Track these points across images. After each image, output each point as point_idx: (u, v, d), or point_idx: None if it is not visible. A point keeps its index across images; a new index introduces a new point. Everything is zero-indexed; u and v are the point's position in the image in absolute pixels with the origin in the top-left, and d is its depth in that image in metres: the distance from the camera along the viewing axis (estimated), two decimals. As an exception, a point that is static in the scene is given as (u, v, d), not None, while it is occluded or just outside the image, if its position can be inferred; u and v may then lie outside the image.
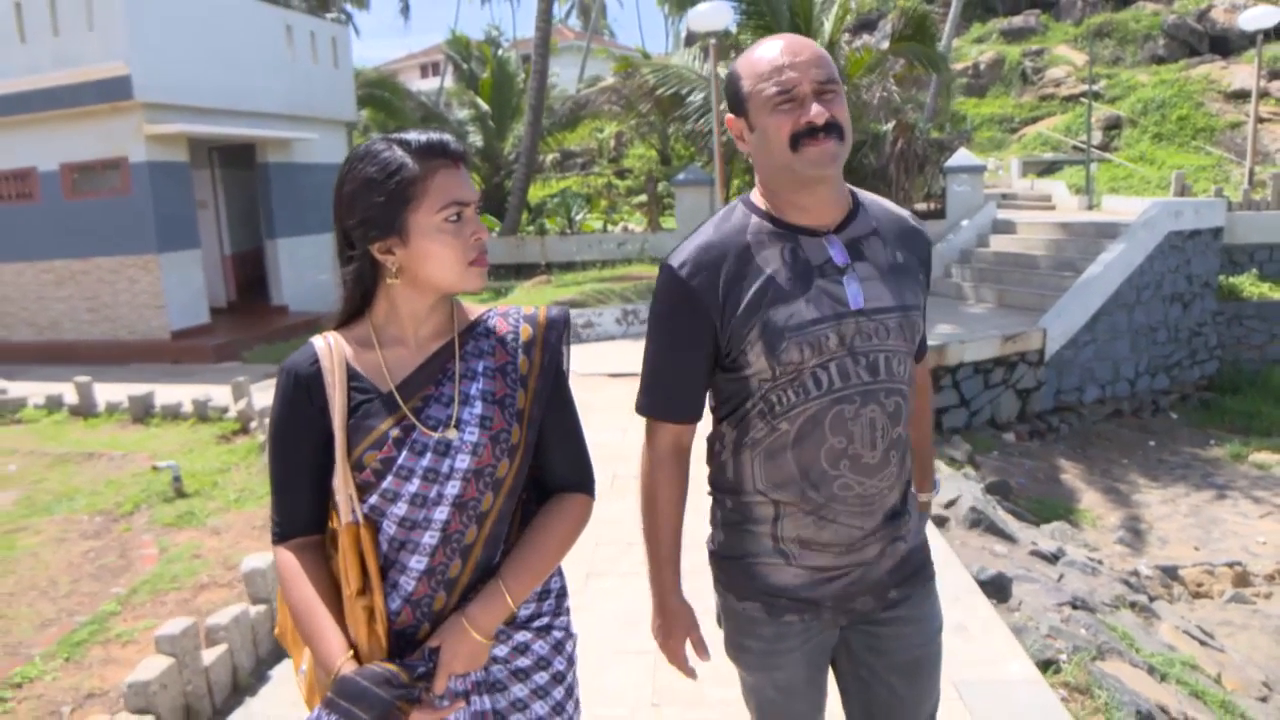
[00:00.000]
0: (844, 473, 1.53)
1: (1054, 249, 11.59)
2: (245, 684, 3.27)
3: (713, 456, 1.66)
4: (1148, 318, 10.94)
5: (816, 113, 1.46)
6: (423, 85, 32.49)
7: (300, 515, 1.43)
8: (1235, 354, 12.01)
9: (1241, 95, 18.98)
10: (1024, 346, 9.74)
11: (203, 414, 7.12)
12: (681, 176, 15.41)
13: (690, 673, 1.75)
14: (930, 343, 1.84)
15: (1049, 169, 20.30)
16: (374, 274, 1.41)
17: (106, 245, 11.18)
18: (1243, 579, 6.82)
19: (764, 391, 1.54)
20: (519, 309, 1.52)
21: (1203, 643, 5.60)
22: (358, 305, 1.45)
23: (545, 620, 1.50)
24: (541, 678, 1.48)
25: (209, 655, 3.10)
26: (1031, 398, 10.01)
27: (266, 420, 6.27)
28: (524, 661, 1.47)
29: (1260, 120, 18.68)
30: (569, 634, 1.55)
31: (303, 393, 1.40)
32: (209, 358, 10.74)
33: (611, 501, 4.09)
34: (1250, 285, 12.33)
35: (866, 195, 1.66)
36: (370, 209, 1.35)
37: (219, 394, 7.53)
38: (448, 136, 1.39)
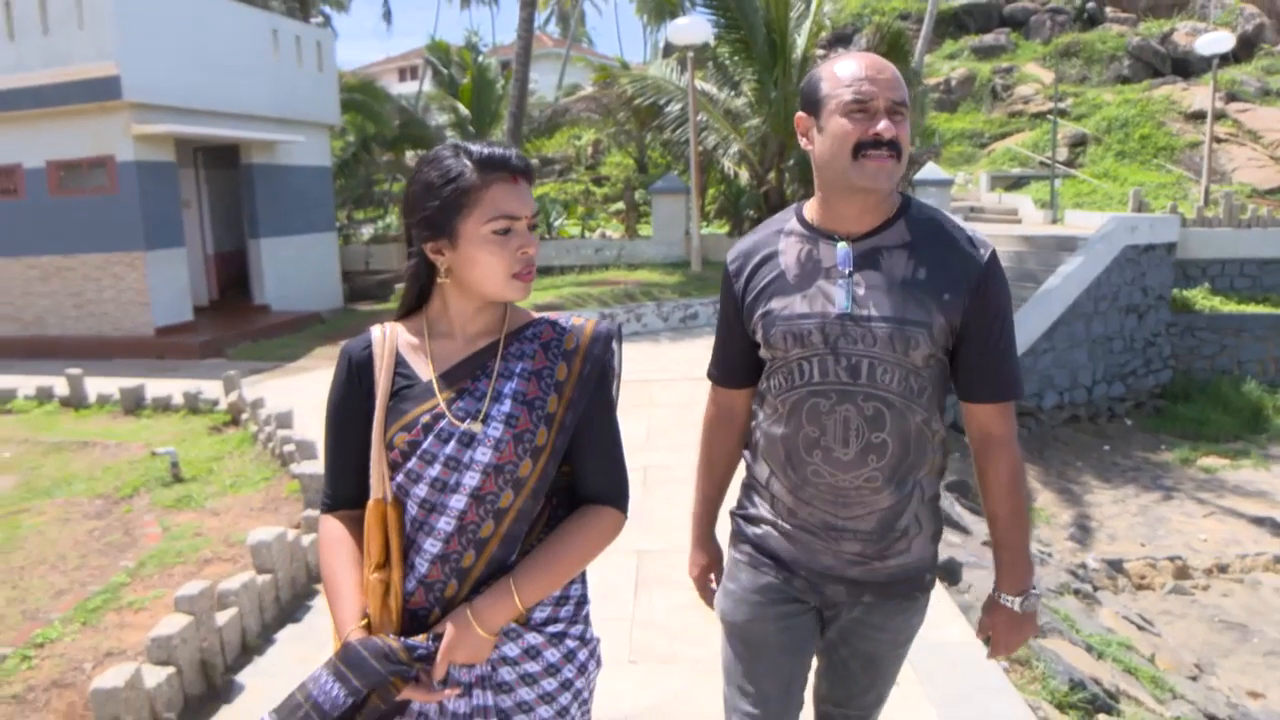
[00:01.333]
0: (815, 461, 1.64)
1: (1016, 261, 12.04)
2: (253, 645, 3.54)
3: (751, 422, 1.85)
4: (1105, 328, 11.41)
5: (885, 127, 1.55)
6: (401, 89, 32.59)
7: (347, 488, 1.53)
8: (1188, 364, 12.52)
9: (1200, 116, 19.61)
10: (985, 353, 10.15)
11: (194, 406, 7.34)
12: (658, 185, 15.74)
13: (711, 602, 1.96)
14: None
15: (1016, 184, 20.84)
16: (429, 272, 1.50)
17: (92, 242, 11.33)
18: (1183, 572, 7.25)
19: (769, 372, 1.71)
20: (569, 318, 1.57)
21: (1140, 628, 5.99)
22: (415, 299, 1.54)
23: (560, 627, 1.52)
24: (550, 684, 1.51)
25: (222, 617, 3.38)
26: (992, 402, 10.42)
27: (257, 413, 6.52)
28: (533, 667, 1.49)
29: (1218, 140, 19.38)
30: (583, 642, 1.56)
31: (355, 375, 1.51)
32: (194, 354, 10.91)
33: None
34: (1203, 299, 12.86)
35: (929, 210, 1.69)
36: (427, 211, 1.43)
37: (208, 388, 7.75)
38: (512, 152, 1.44)
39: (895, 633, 1.76)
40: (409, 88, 33.43)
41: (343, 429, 1.51)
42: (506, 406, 1.44)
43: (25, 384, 8.35)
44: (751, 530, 1.78)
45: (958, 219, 1.74)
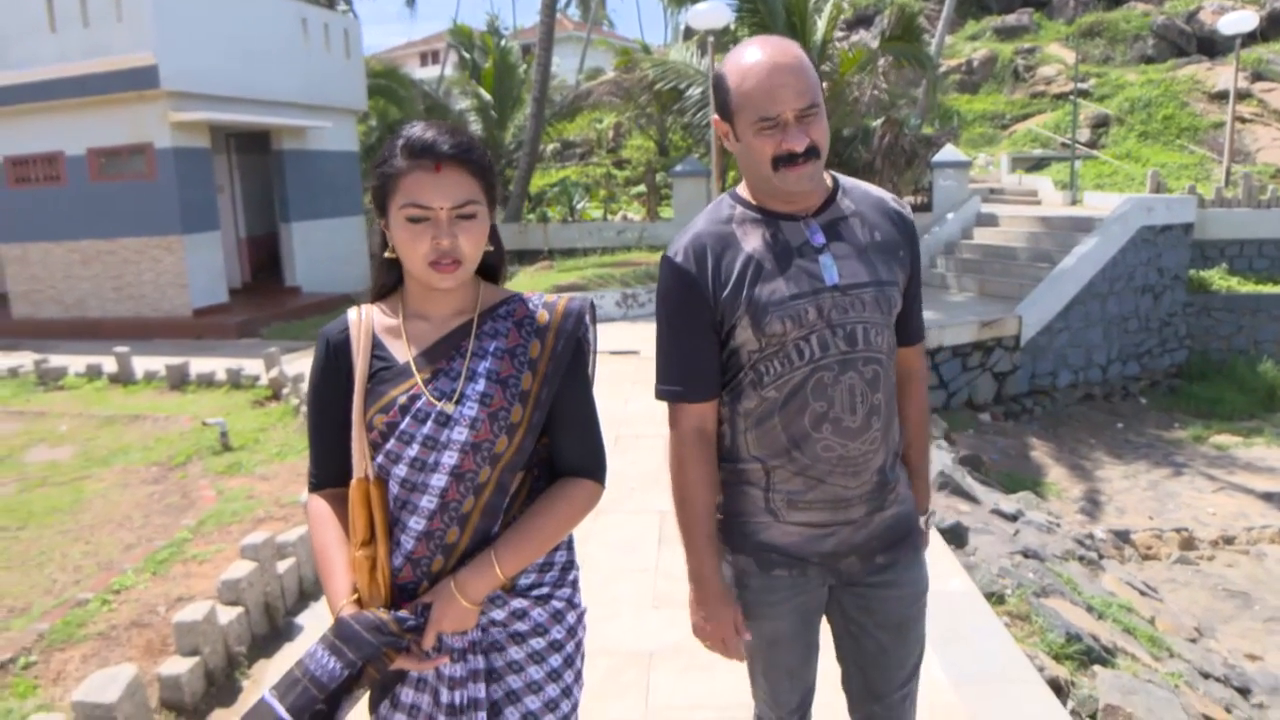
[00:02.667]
0: (826, 435, 1.64)
1: (1032, 241, 12.20)
2: (309, 591, 3.87)
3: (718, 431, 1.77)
4: (1120, 307, 11.56)
5: (796, 141, 1.56)
6: (422, 74, 32.88)
7: (331, 467, 1.55)
8: (1204, 343, 12.63)
9: (1225, 96, 19.53)
10: (1000, 332, 10.36)
11: (236, 382, 7.71)
12: (679, 168, 15.96)
13: (740, 655, 1.79)
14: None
15: (1037, 165, 20.83)
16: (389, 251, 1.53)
17: (131, 227, 11.73)
18: (1189, 543, 7.46)
19: (753, 362, 1.66)
20: (542, 296, 1.60)
21: (1143, 593, 6.23)
22: (387, 280, 1.57)
23: (545, 590, 1.56)
24: (538, 643, 1.55)
25: (282, 565, 3.71)
26: (1007, 381, 10.63)
27: (298, 387, 6.87)
28: (521, 626, 1.54)
29: (1243, 120, 19.30)
30: (571, 605, 1.60)
31: (333, 357, 1.53)
32: (231, 334, 11.31)
33: (615, 457, 4.70)
34: (1219, 279, 12.95)
35: (847, 180, 1.77)
36: (374, 192, 1.51)
37: (249, 365, 8.11)
38: (440, 138, 1.43)
39: (910, 586, 1.78)
40: (430, 72, 33.71)
41: (324, 411, 1.55)
42: (481, 385, 1.47)
43: (74, 363, 8.76)
44: (751, 531, 1.74)
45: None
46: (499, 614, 1.52)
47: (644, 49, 26.37)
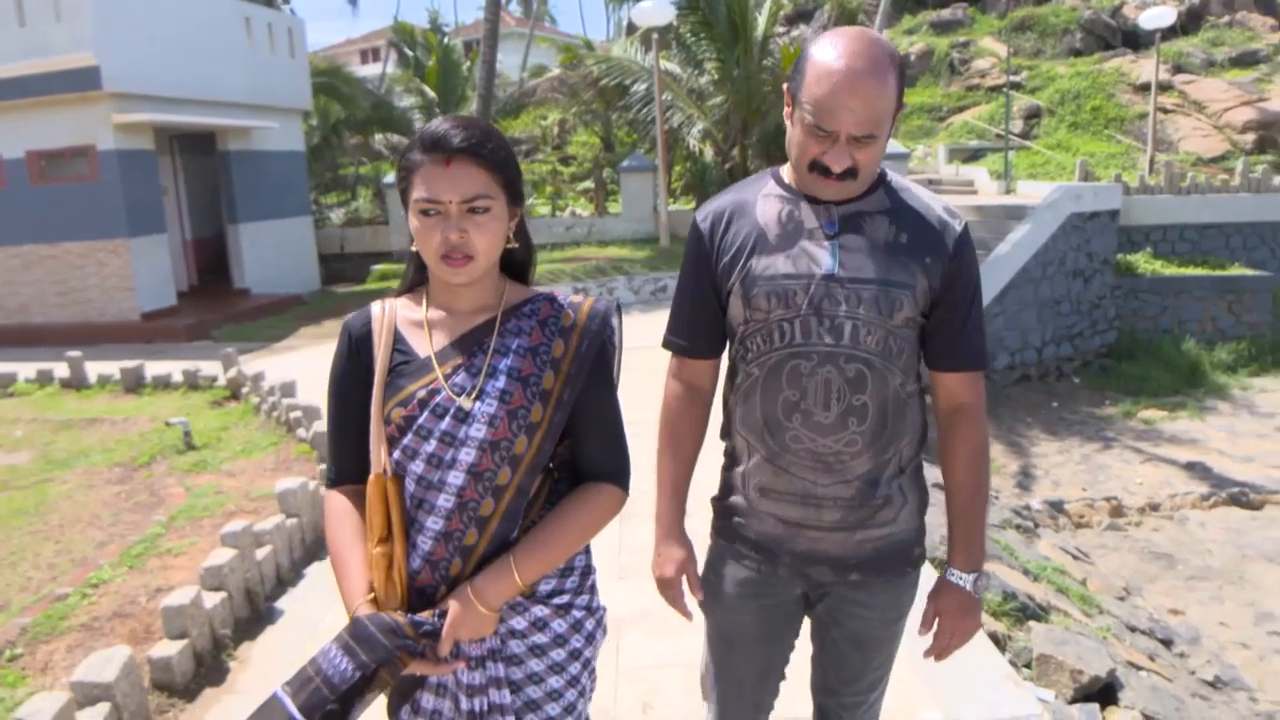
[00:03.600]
0: (795, 425, 1.60)
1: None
2: (286, 578, 4.02)
3: (721, 402, 1.77)
4: (1052, 291, 12.07)
5: (837, 160, 1.52)
6: (364, 71, 32.56)
7: (351, 463, 1.54)
8: (1132, 324, 13.23)
9: (1148, 87, 20.32)
10: (940, 317, 10.76)
11: (193, 383, 7.73)
12: (626, 163, 16.17)
13: (684, 611, 1.80)
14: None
15: (973, 156, 21.42)
16: None
17: (75, 230, 11.58)
18: (1118, 511, 7.91)
19: (741, 336, 1.65)
20: (567, 295, 1.58)
21: (1075, 557, 6.63)
22: (415, 274, 1.58)
23: (566, 599, 1.54)
24: (559, 654, 1.52)
25: (260, 552, 3.85)
26: (947, 364, 11.05)
27: (258, 386, 6.94)
28: (541, 638, 1.51)
29: (1165, 111, 20.10)
30: (590, 611, 1.58)
31: (355, 351, 1.53)
32: (181, 337, 11.24)
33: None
34: (1145, 262, 13.57)
35: (901, 182, 1.68)
36: (398, 184, 1.50)
37: (205, 366, 8.13)
38: (453, 131, 1.42)
39: (884, 610, 1.72)
40: (371, 69, 33.37)
41: (344, 404, 1.54)
42: (501, 382, 1.45)
43: (23, 369, 8.67)
44: (732, 519, 1.74)
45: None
46: (519, 622, 1.50)
47: (587, 45, 26.48)
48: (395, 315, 1.54)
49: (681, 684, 3.01)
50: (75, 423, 7.02)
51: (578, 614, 1.55)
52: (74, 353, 8.38)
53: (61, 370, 8.35)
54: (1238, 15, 25.43)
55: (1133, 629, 5.52)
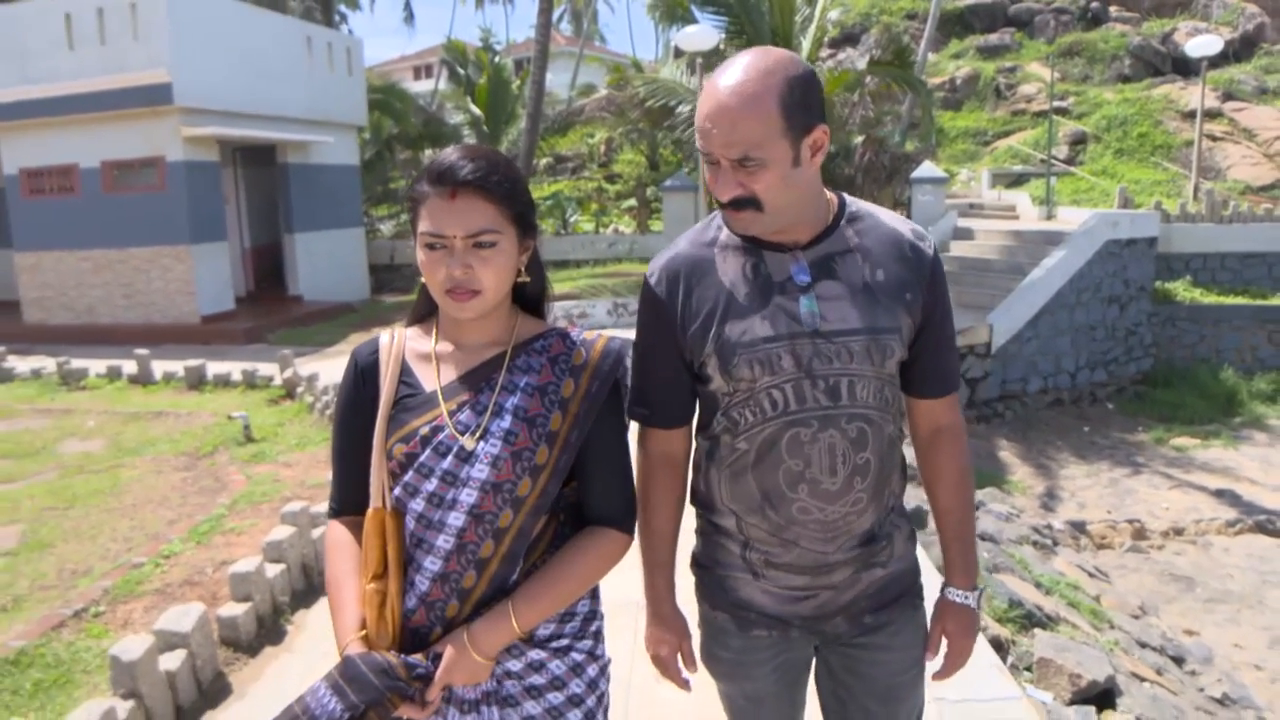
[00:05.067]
0: (802, 496, 1.50)
1: (1006, 254, 12.80)
2: (338, 557, 4.39)
3: (693, 468, 1.66)
4: (1087, 317, 12.15)
5: (724, 189, 1.44)
6: (416, 87, 33.46)
7: (353, 494, 1.50)
8: (1169, 352, 13.24)
9: (1196, 114, 20.26)
10: (973, 340, 10.93)
11: (251, 382, 8.21)
12: (669, 183, 16.54)
13: (683, 684, 1.73)
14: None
15: (1017, 181, 21.45)
16: None
17: (142, 236, 12.24)
18: (1140, 534, 8.01)
19: (725, 408, 1.54)
20: (580, 332, 1.52)
21: (1091, 575, 6.77)
22: (425, 305, 1.53)
23: (565, 642, 1.49)
24: (556, 698, 1.47)
25: (315, 532, 4.21)
26: (979, 386, 11.20)
27: (312, 385, 7.38)
28: (538, 679, 1.47)
29: (1214, 139, 20.02)
30: (593, 657, 1.53)
31: (360, 380, 1.49)
32: (238, 340, 11.80)
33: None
34: (1184, 290, 13.57)
35: (863, 208, 1.59)
36: (409, 214, 1.45)
37: (262, 367, 8.61)
38: (460, 163, 1.38)
39: (904, 650, 1.64)
40: (423, 85, 34.27)
41: (348, 434, 1.50)
42: (506, 422, 1.41)
43: (94, 365, 9.23)
44: (729, 587, 1.63)
45: (898, 214, 1.65)
46: (515, 665, 1.45)
47: (635, 65, 27.01)
48: (404, 346, 1.50)
49: (692, 658, 3.28)
50: (143, 415, 7.51)
51: (577, 657, 1.50)
52: (142, 351, 8.91)
53: (130, 367, 8.88)
54: (1293, 43, 25.17)
55: (1143, 645, 5.67)
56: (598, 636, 1.55)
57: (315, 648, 3.57)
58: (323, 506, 4.45)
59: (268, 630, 3.65)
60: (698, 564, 1.69)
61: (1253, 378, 12.71)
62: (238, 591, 3.60)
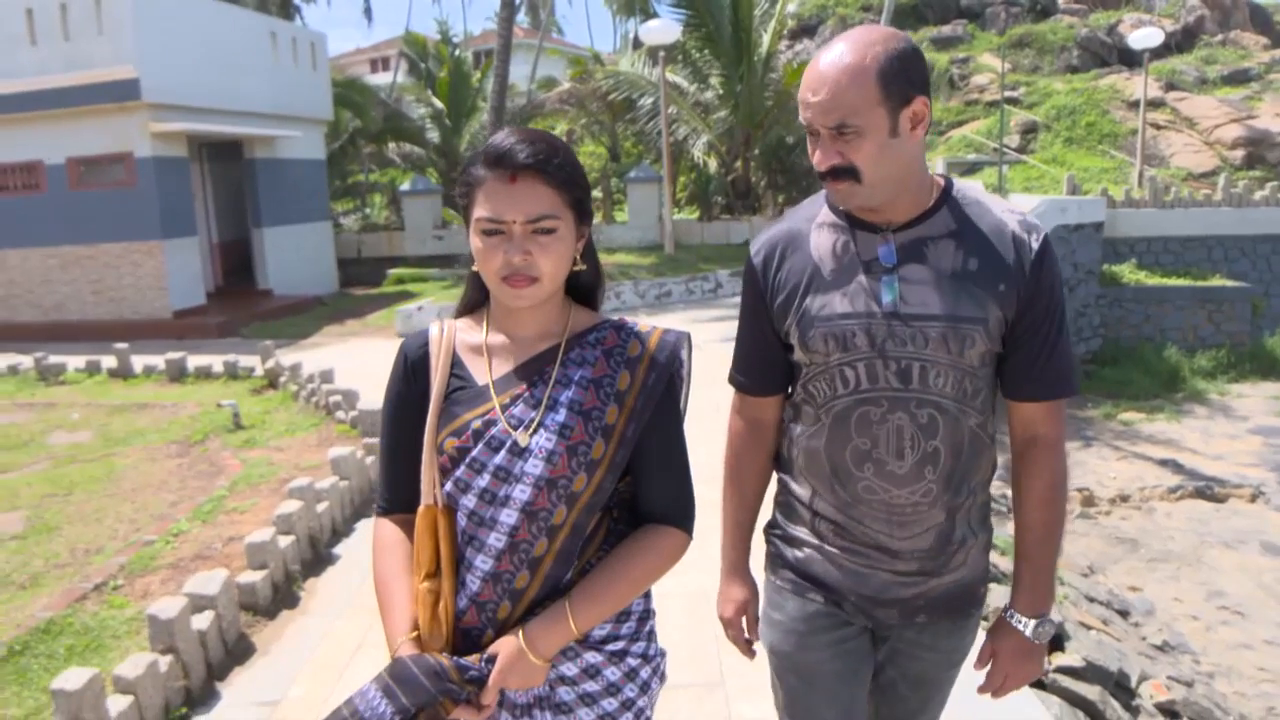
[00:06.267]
0: (868, 476, 1.51)
1: (960, 240, 13.28)
2: (341, 529, 4.63)
3: (781, 434, 1.68)
4: (1038, 299, 12.66)
5: (823, 157, 1.44)
6: (373, 80, 33.23)
7: (402, 491, 1.47)
8: (1116, 332, 13.82)
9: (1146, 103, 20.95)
10: (930, 322, 11.37)
11: (233, 373, 8.37)
12: (632, 174, 16.81)
13: (747, 650, 1.76)
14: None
15: (971, 169, 21.96)
16: None
17: (111, 232, 12.25)
18: (1090, 501, 8.49)
19: (806, 379, 1.56)
20: (635, 324, 1.49)
21: (1043, 538, 7.20)
22: (475, 294, 1.50)
23: (621, 645, 1.45)
24: (610, 704, 1.44)
25: (320, 506, 4.46)
26: (937, 367, 11.64)
27: (295, 374, 7.56)
28: (593, 686, 1.43)
29: (1157, 127, 20.72)
30: (646, 659, 1.49)
31: (410, 374, 1.45)
32: (211, 334, 11.89)
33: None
34: (1129, 273, 14.17)
35: (970, 193, 1.56)
36: (460, 200, 1.41)
37: (243, 359, 8.76)
38: (519, 146, 1.33)
39: (948, 653, 1.66)
40: (380, 78, 34.05)
41: (398, 429, 1.46)
42: (561, 416, 1.37)
43: (74, 359, 9.31)
44: (793, 553, 1.65)
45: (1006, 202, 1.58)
46: (569, 669, 1.42)
47: (595, 58, 27.18)
48: (454, 338, 1.47)
49: (681, 607, 3.59)
50: (127, 407, 7.64)
51: (633, 661, 1.46)
52: (121, 345, 9.01)
53: (108, 361, 8.98)
54: (1231, 34, 26.06)
55: (1091, 599, 6.10)
56: (651, 636, 1.51)
57: (329, 611, 3.83)
58: (325, 482, 4.69)
59: (283, 596, 3.90)
60: (771, 531, 1.71)
61: (1194, 355, 13.33)
62: (254, 560, 3.84)
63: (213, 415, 6.98)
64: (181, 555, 4.32)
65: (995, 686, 1.62)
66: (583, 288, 1.50)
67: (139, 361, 9.00)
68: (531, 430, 1.36)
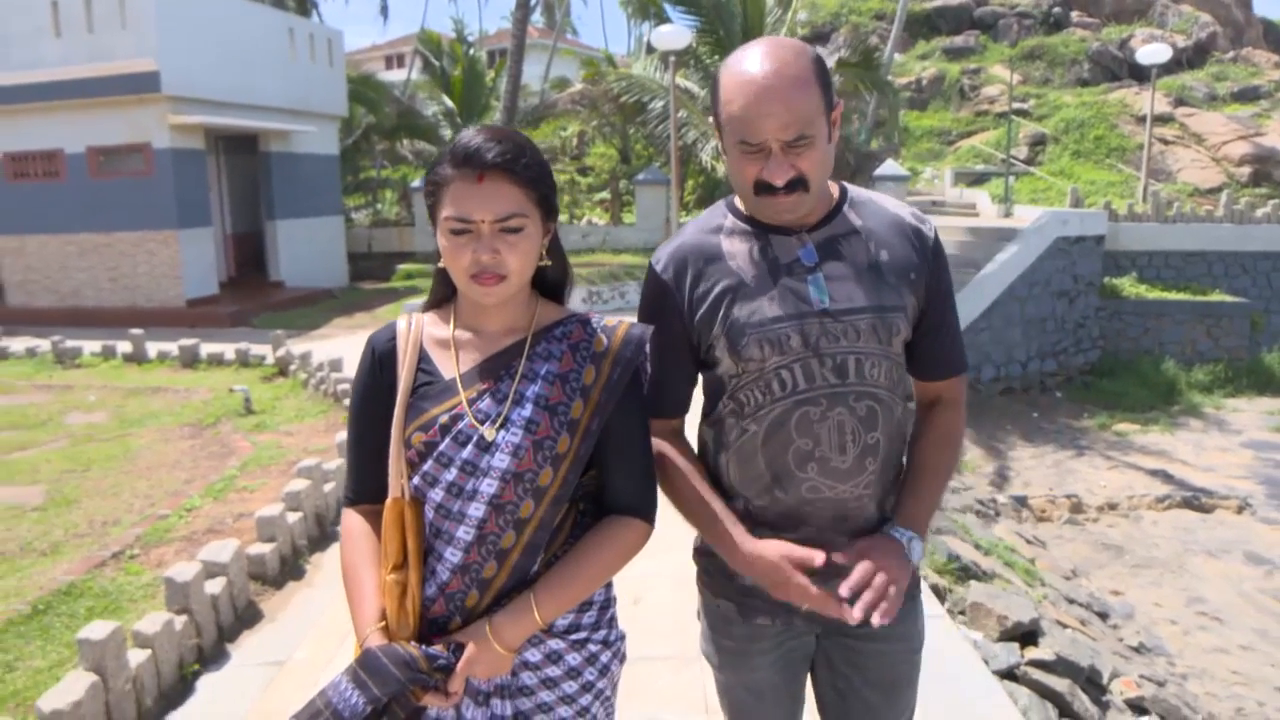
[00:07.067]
0: (812, 475, 1.51)
1: (962, 249, 13.44)
2: (346, 510, 4.85)
3: (700, 456, 1.65)
4: (1038, 310, 12.84)
5: (777, 173, 1.43)
6: (387, 77, 33.50)
7: (369, 483, 1.49)
8: (1115, 344, 13.97)
9: (1153, 119, 21.11)
10: (929, 329, 11.54)
11: (244, 361, 8.60)
12: (641, 176, 17.02)
13: (818, 597, 1.45)
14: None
15: (979, 180, 22.12)
16: None
17: (128, 221, 12.52)
18: (1078, 508, 8.66)
19: (733, 390, 1.54)
20: (601, 319, 1.50)
21: (1029, 541, 7.39)
22: (442, 290, 1.51)
23: (583, 634, 1.49)
24: (570, 686, 1.49)
25: (326, 486, 4.67)
26: (934, 374, 11.82)
27: (305, 363, 7.79)
28: (554, 671, 1.47)
29: (1166, 142, 20.86)
30: (606, 645, 1.53)
31: (377, 367, 1.47)
32: (223, 323, 12.13)
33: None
34: (1130, 286, 14.31)
35: (861, 193, 1.62)
36: (426, 198, 1.43)
37: (254, 347, 9.00)
38: (487, 145, 1.35)
39: (904, 640, 1.65)
40: (395, 75, 34.33)
41: (365, 422, 1.49)
42: (528, 411, 1.39)
43: (87, 345, 9.55)
44: (733, 572, 1.58)
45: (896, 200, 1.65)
46: (533, 655, 1.47)
47: (608, 60, 27.40)
48: (421, 332, 1.49)
49: (667, 584, 3.79)
50: (142, 391, 7.88)
51: (594, 647, 1.51)
52: (136, 331, 9.26)
53: (124, 346, 9.22)
54: (1243, 51, 26.13)
55: (1071, 600, 6.28)
56: (611, 623, 1.56)
57: (333, 584, 4.04)
58: (332, 463, 4.90)
59: (289, 568, 4.11)
60: (701, 552, 1.69)
61: (1191, 369, 13.47)
62: (263, 533, 4.05)
63: (225, 400, 7.21)
64: (194, 528, 4.54)
65: (858, 577, 1.42)
66: (549, 283, 1.53)
67: (153, 347, 9.24)
68: (498, 425, 1.39)
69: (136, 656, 2.97)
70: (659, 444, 1.60)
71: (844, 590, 1.41)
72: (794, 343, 1.48)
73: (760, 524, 1.55)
